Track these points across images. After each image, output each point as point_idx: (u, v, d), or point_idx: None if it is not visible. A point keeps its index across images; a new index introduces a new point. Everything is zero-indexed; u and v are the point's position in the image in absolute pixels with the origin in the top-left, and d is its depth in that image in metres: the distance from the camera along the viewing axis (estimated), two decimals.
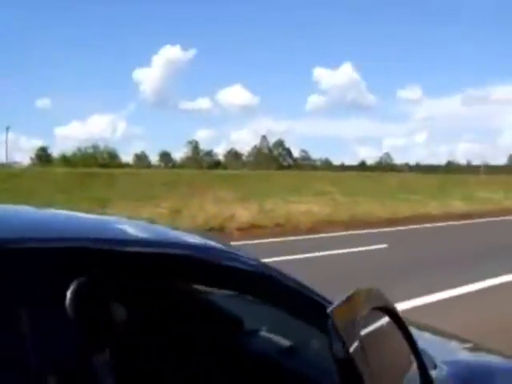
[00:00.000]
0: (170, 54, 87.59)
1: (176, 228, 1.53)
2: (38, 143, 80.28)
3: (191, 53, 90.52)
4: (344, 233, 11.68)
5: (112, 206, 11.78)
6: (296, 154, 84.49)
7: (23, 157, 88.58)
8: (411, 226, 13.19)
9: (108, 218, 1.60)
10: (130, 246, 1.08)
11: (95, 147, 70.14)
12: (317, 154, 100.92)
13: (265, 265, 1.24)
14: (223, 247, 1.27)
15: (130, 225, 1.32)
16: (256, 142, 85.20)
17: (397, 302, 3.73)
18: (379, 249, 9.08)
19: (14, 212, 1.31)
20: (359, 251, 8.71)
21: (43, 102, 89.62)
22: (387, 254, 8.73)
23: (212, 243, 1.26)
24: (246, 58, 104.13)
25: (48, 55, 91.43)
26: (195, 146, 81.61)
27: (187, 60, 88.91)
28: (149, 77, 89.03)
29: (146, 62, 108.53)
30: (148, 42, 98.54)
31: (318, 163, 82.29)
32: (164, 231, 1.41)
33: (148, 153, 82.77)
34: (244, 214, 12.55)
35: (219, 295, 1.27)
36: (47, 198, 11.68)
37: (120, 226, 1.26)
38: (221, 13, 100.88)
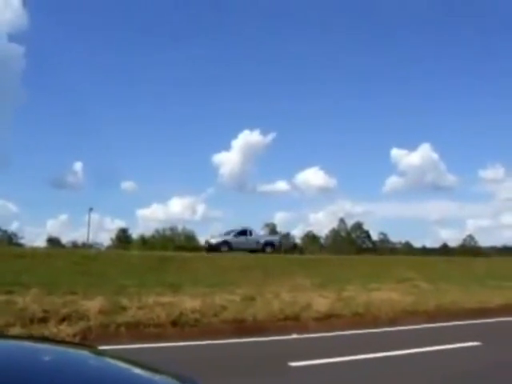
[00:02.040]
0: (249, 138, 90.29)
1: None
2: (121, 224, 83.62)
3: (270, 137, 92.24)
4: (428, 325, 10.80)
5: (183, 291, 11.67)
6: (375, 236, 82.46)
7: (107, 237, 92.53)
8: (506, 318, 11.93)
9: None
10: None
11: (173, 229, 71.72)
12: (396, 237, 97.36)
13: None
14: None
15: None
16: (334, 224, 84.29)
17: None
18: (471, 347, 8.13)
19: None
20: (447, 350, 7.83)
21: (128, 185, 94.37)
22: (481, 354, 7.76)
23: None
24: (323, 140, 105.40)
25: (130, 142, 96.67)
26: (273, 229, 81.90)
27: (266, 144, 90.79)
28: (228, 161, 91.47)
29: (225, 146, 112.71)
30: (228, 125, 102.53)
31: (398, 246, 79.43)
32: None
33: None
34: (321, 302, 12.02)
35: None
36: (117, 283, 11.80)
37: None
38: (299, 97, 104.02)
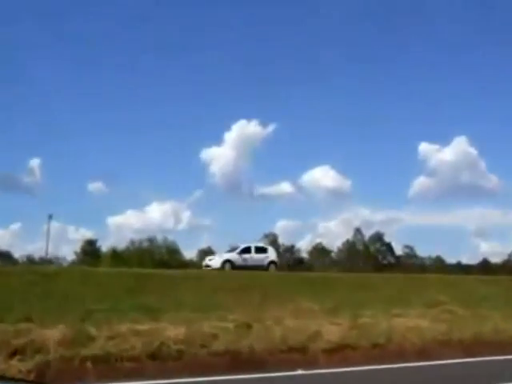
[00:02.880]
0: (245, 129, 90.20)
1: None
2: (88, 234, 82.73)
3: (270, 128, 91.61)
4: (465, 360, 10.78)
5: (164, 317, 11.60)
6: (398, 250, 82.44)
7: (70, 250, 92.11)
8: None
9: None
10: None
11: (152, 240, 71.75)
12: (425, 251, 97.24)
13: None
14: None
15: None
16: (348, 235, 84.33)
17: None
18: None
19: None
20: None
21: (96, 187, 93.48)
22: None
23: None
24: (335, 131, 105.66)
25: (102, 135, 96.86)
26: (273, 241, 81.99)
27: (265, 137, 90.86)
28: (219, 157, 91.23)
29: (216, 139, 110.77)
30: (218, 116, 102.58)
31: (427, 262, 79.52)
32: None
33: (216, 248, 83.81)
34: (333, 329, 12.02)
35: None
36: (83, 307, 11.73)
37: None
38: (304, 79, 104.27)
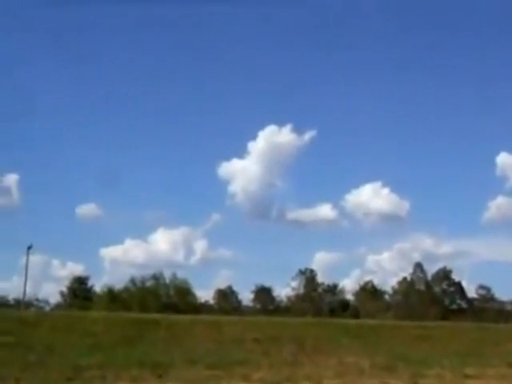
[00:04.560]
0: (275, 138, 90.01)
1: None
2: (77, 269, 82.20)
3: (307, 136, 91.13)
4: None
5: (173, 374, 11.61)
6: (471, 291, 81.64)
7: (55, 290, 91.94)
8: None
9: None
10: None
11: (158, 278, 71.75)
12: (505, 293, 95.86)
13: None
14: None
15: None
16: (406, 271, 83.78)
17: None
18: None
19: None
20: None
21: (87, 210, 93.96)
22: None
23: None
24: (388, 140, 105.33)
25: (95, 146, 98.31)
26: (310, 278, 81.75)
27: (301, 147, 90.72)
28: (242, 173, 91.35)
29: (238, 150, 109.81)
30: (240, 120, 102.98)
31: (508, 307, 78.52)
32: None
33: (237, 288, 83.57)
34: None
35: None
36: (70, 362, 11.74)
37: None
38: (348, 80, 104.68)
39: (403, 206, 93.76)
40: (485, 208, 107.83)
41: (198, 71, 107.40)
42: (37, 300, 72.57)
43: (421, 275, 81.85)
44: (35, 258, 73.66)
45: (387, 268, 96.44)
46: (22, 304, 52.12)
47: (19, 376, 10.51)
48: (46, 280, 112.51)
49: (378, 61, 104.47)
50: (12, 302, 66.49)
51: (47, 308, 70.34)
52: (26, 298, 57.91)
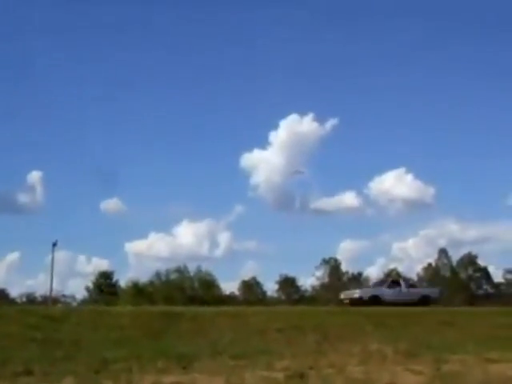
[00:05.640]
0: (298, 127, 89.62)
1: None
2: (102, 265, 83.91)
3: (329, 124, 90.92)
4: None
5: (198, 365, 11.69)
6: (498, 276, 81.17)
7: (80, 286, 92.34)
8: None
9: None
10: None
11: (182, 271, 72.20)
12: None
13: None
14: None
15: None
16: (431, 257, 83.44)
17: None
18: None
19: None
20: None
21: (111, 204, 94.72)
22: None
23: None
24: (412, 126, 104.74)
25: (118, 142, 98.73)
26: (335, 267, 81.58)
27: (323, 135, 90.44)
28: (264, 163, 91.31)
29: (259, 140, 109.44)
30: (262, 110, 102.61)
31: None
32: None
33: (262, 279, 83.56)
34: (410, 380, 11.98)
35: None
36: (97, 355, 11.86)
37: None
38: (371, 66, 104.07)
39: (428, 192, 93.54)
40: (510, 192, 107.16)
41: (220, 61, 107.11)
42: (63, 296, 73.36)
43: (446, 261, 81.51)
44: (61, 255, 74.67)
45: (413, 255, 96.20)
46: (49, 300, 52.47)
47: (48, 370, 10.68)
48: (71, 276, 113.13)
49: (401, 47, 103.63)
50: (39, 299, 67.05)
51: (74, 304, 71.00)
52: (53, 294, 58.30)
